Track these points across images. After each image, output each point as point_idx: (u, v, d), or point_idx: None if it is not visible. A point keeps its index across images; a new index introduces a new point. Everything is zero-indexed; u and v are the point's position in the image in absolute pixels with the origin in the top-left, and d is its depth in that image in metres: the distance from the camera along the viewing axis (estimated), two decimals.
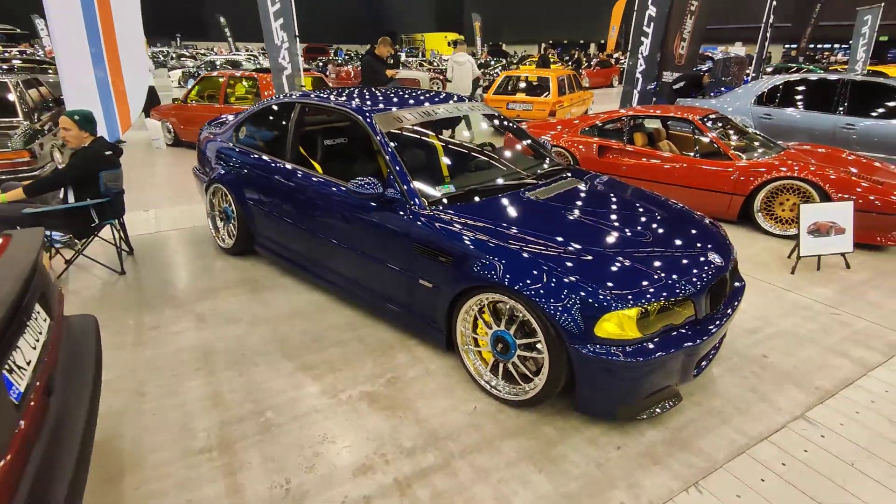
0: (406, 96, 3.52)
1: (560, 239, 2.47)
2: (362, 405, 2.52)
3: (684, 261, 2.46)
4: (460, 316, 2.59)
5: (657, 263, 2.39)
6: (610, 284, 2.21)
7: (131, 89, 5.22)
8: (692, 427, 2.40)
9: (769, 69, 18.08)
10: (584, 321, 2.16)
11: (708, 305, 2.38)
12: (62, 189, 3.63)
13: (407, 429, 2.37)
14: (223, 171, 4.09)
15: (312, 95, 3.60)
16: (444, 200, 2.81)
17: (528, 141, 3.80)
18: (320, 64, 22.36)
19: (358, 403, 2.54)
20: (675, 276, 2.32)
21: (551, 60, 23.42)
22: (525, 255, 2.36)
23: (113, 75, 5.07)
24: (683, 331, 2.29)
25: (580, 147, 5.88)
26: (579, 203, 2.89)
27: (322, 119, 4.11)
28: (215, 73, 8.26)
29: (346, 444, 2.27)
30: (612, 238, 2.55)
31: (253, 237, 4.00)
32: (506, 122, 3.87)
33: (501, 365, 2.52)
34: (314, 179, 3.31)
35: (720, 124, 5.76)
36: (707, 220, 2.97)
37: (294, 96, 3.70)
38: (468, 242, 2.51)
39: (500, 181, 3.11)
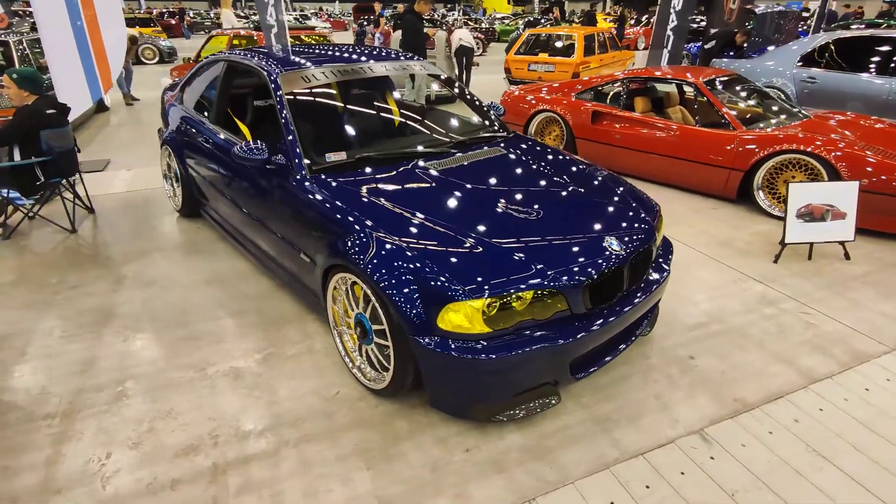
0: (332, 54, 3.26)
1: (429, 216, 2.21)
2: (224, 382, 2.43)
3: (568, 247, 2.13)
4: (329, 294, 2.41)
5: (532, 249, 2.08)
6: (460, 271, 1.94)
7: (110, 49, 5.26)
8: (564, 434, 2.13)
9: (855, 25, 15.93)
10: (426, 310, 1.92)
11: (587, 300, 2.05)
12: (9, 147, 3.70)
13: (255, 410, 2.25)
14: (170, 132, 4.04)
15: (239, 53, 3.42)
16: (330, 169, 2.58)
17: (470, 105, 3.46)
18: (364, 23, 22.00)
19: (221, 379, 2.44)
20: (545, 265, 2.01)
21: (612, 17, 21.81)
22: (379, 232, 2.12)
23: (92, 37, 5.11)
24: (549, 328, 2.00)
25: (573, 113, 5.39)
26: (480, 176, 2.58)
27: (254, 80, 3.92)
28: (220, 32, 8.24)
29: (184, 422, 2.19)
30: (492, 217, 2.25)
31: (197, 200, 3.96)
32: (447, 84, 3.54)
33: (365, 349, 2.34)
34: (226, 142, 3.17)
35: (735, 88, 5.09)
36: (634, 200, 2.58)
37: (222, 54, 3.54)
38: (331, 215, 2.30)
39: (406, 149, 2.83)
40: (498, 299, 1.91)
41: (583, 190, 2.58)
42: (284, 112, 2.72)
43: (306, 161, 2.58)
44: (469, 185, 2.47)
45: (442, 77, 3.56)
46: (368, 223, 2.17)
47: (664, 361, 2.57)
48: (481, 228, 2.16)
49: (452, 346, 1.90)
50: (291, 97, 2.82)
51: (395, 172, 2.57)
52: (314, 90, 2.95)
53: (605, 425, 2.18)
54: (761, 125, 4.51)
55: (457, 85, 3.53)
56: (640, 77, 5.27)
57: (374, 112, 3.26)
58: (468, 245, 2.06)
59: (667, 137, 4.74)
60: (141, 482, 1.91)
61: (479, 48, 18.17)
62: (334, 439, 2.11)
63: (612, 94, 5.46)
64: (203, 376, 2.46)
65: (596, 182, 2.69)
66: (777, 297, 3.13)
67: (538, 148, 3.04)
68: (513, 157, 2.85)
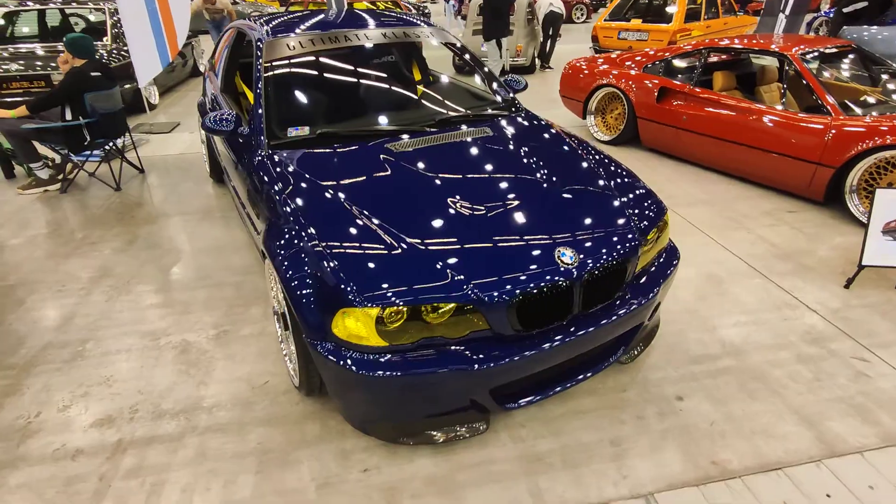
0: (338, 20, 3.06)
1: (360, 206, 1.96)
2: (170, 354, 2.43)
3: (506, 254, 1.78)
4: (267, 278, 2.29)
5: (461, 252, 1.77)
6: (363, 273, 1.70)
7: (177, 18, 5.51)
8: (482, 469, 1.84)
9: None
10: (321, 313, 1.72)
11: (515, 320, 1.71)
12: (62, 107, 4.01)
13: (183, 389, 2.22)
14: (200, 99, 4.13)
15: (248, 19, 3.34)
16: (289, 145, 2.42)
17: (479, 79, 3.10)
18: None
19: (168, 351, 2.45)
20: (466, 274, 1.69)
21: None
22: (297, 221, 1.92)
23: (161, 7, 5.38)
24: (464, 348, 1.70)
25: (636, 89, 4.70)
26: (443, 161, 2.27)
27: None
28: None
29: (116, 391, 2.22)
30: (434, 212, 1.94)
31: (220, 166, 4.04)
32: (458, 55, 3.19)
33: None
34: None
35: (850, 64, 4.11)
36: (630, 202, 2.11)
37: (238, 21, 3.49)
38: (269, 195, 2.15)
39: (377, 126, 2.58)
40: (404, 309, 1.64)
41: (566, 184, 2.17)
42: (259, 80, 2.60)
43: (268, 135, 2.44)
44: (424, 172, 2.18)
45: (454, 44, 3.21)
46: (290, 207, 1.99)
47: (643, 398, 2.13)
48: (414, 224, 1.88)
49: (345, 356, 1.68)
50: (272, 64, 2.68)
51: (348, 152, 2.34)
52: (299, 58, 2.78)
53: (534, 467, 1.84)
54: (874, 112, 3.59)
55: (464, 57, 3.16)
56: (720, 47, 4.44)
57: (361, 84, 3.02)
58: (388, 243, 1.80)
59: (742, 121, 3.96)
60: (50, 446, 1.96)
61: (582, 14, 16.88)
62: (241, 433, 2.01)
63: (687, 67, 4.68)
64: (155, 346, 2.49)
65: (590, 176, 2.25)
66: (830, 334, 2.47)
67: (537, 131, 2.63)
68: (496, 140, 2.48)
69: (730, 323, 2.56)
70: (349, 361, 1.67)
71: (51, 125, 3.94)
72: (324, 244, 1.79)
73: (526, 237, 1.85)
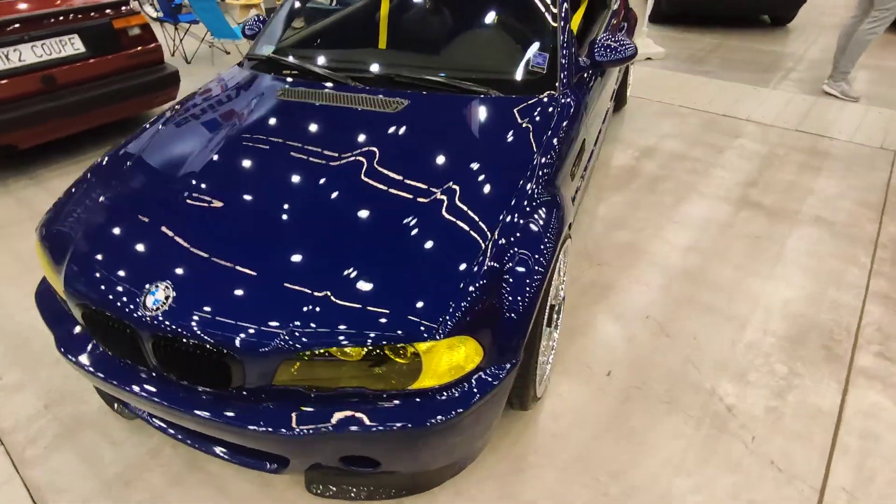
0: None
1: (155, 157, 1.78)
2: None
3: (140, 251, 1.41)
4: None
5: (132, 233, 1.49)
6: (58, 210, 1.67)
7: None
8: (98, 435, 1.72)
9: None
10: None
11: (81, 319, 1.43)
12: None
13: None
14: None
15: None
16: (258, 64, 2.32)
17: (541, 39, 2.09)
18: None
19: None
20: (81, 244, 1.47)
21: None
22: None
23: None
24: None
25: None
26: (298, 127, 1.81)
27: None
28: None
29: None
30: (189, 183, 1.61)
31: None
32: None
33: None
34: None
35: None
36: (359, 284, 1.26)
37: None
38: None
39: (319, 67, 2.14)
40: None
41: (348, 231, 1.41)
42: None
43: (254, 47, 2.40)
44: (262, 132, 1.80)
45: None
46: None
47: None
48: (155, 188, 1.64)
49: None
50: None
51: (255, 83, 2.14)
52: None
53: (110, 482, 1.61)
54: None
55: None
56: None
57: (384, 17, 2.37)
58: (101, 188, 1.68)
59: None
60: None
61: None
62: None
63: None
64: None
65: (398, 234, 1.38)
66: None
67: (472, 135, 1.71)
68: (398, 121, 1.78)
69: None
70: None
71: None
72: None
73: (198, 257, 1.37)
